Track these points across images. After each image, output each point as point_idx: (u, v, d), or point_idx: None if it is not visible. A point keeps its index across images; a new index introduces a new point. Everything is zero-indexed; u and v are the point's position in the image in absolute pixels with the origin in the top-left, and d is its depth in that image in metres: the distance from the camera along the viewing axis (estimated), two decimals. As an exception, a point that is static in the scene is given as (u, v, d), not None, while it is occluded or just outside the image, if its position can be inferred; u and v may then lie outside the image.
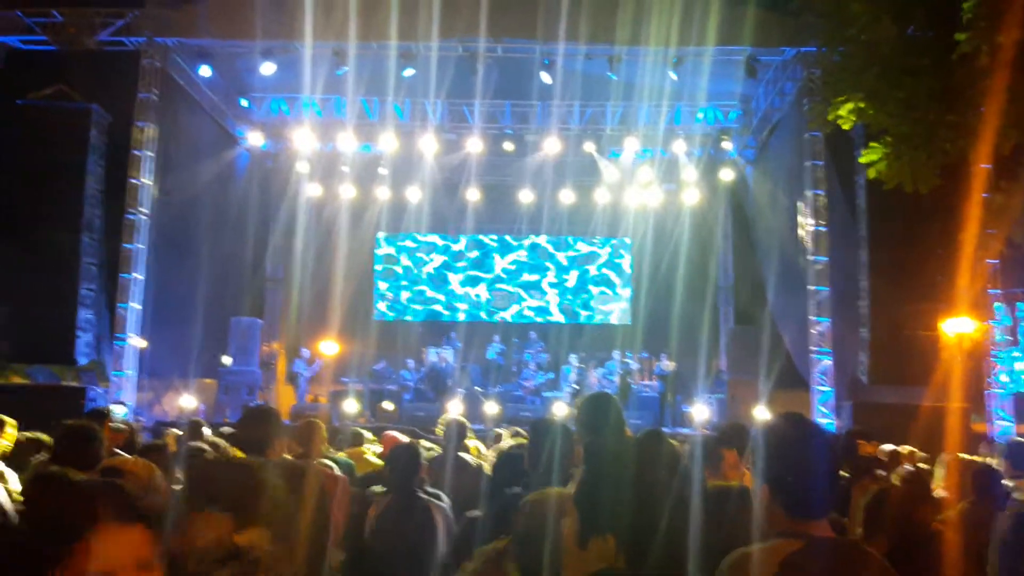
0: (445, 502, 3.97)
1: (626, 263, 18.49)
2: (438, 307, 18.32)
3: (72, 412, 10.23)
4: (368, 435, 6.82)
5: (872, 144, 9.12)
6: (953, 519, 3.81)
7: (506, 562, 2.53)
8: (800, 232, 13.01)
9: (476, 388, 15.18)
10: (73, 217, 12.34)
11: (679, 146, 15.97)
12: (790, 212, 13.71)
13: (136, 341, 12.27)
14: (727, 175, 16.91)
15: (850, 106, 8.87)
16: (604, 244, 18.53)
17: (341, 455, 6.26)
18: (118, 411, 10.66)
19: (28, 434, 5.13)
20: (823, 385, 12.37)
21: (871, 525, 2.75)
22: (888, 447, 6.58)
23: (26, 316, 12.28)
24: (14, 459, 4.70)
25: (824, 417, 12.30)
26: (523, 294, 18.42)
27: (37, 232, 12.32)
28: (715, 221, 18.05)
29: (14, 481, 4.48)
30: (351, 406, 13.66)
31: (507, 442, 6.33)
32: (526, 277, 18.49)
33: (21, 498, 3.33)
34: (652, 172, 16.89)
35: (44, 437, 4.97)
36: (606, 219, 17.69)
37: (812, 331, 12.49)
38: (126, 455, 4.21)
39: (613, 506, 2.60)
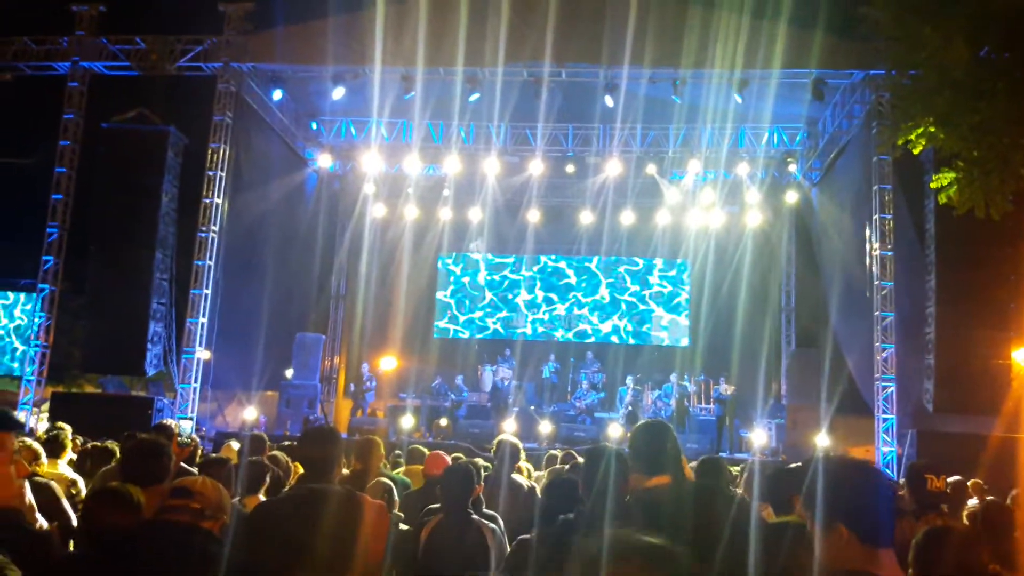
0: (498, 524, 4.02)
1: (686, 285, 18.34)
2: (496, 326, 18.45)
3: (140, 421, 10.67)
4: (427, 452, 6.92)
5: (944, 169, 8.91)
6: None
7: None
8: (866, 257, 12.76)
9: (531, 407, 15.23)
10: (148, 234, 12.83)
11: (742, 168, 15.85)
12: (856, 236, 13.45)
13: (202, 353, 12.67)
14: (791, 197, 16.69)
15: (920, 130, 8.69)
16: (664, 266, 18.42)
17: (399, 473, 6.37)
18: (185, 426, 11.02)
19: (98, 443, 5.36)
20: (887, 412, 12.07)
21: (919, 565, 2.70)
22: (953, 479, 6.39)
23: (101, 328, 12.81)
24: (82, 466, 4.92)
25: (887, 445, 11.98)
26: (581, 314, 18.41)
27: (115, 248, 12.85)
28: (778, 243, 17.80)
29: (83, 487, 4.69)
30: (407, 422, 13.84)
31: (560, 465, 6.37)
32: (584, 297, 18.49)
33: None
34: (714, 194, 16.76)
35: (113, 445, 5.19)
36: (667, 241, 17.60)
37: (877, 357, 12.21)
38: (194, 472, 4.37)
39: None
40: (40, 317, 13.05)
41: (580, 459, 5.13)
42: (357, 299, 16.69)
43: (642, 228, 17.53)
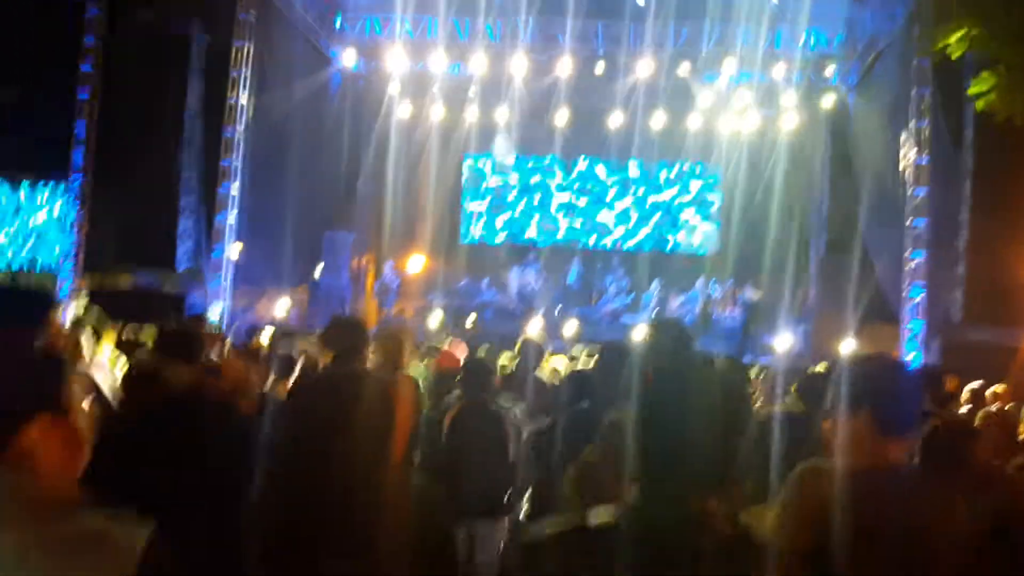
0: (516, 413, 4.17)
1: (717, 190, 18.11)
2: (522, 229, 18.44)
3: (173, 315, 10.97)
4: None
5: (984, 74, 8.60)
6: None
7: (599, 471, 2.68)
8: (901, 163, 12.51)
9: (556, 310, 15.36)
10: (174, 132, 12.89)
11: (778, 70, 15.34)
12: (892, 142, 13.15)
13: (231, 250, 12.88)
14: (827, 101, 16.20)
15: (961, 33, 8.35)
16: (695, 170, 18.16)
17: (421, 366, 6.55)
18: (214, 316, 11.30)
19: (132, 333, 5.55)
20: (914, 321, 12.06)
21: (923, 455, 2.77)
22: (974, 384, 6.44)
23: (131, 224, 13.03)
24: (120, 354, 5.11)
25: (912, 352, 12.01)
26: (608, 218, 18.32)
27: (142, 145, 12.93)
28: (812, 149, 17.39)
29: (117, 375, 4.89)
30: (434, 321, 14.07)
31: (583, 361, 6.50)
32: (612, 201, 18.35)
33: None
34: (748, 97, 16.31)
35: (146, 335, 5.37)
36: (698, 144, 17.23)
37: (906, 266, 12.12)
38: (223, 356, 4.53)
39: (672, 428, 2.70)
40: (72, 208, 13.27)
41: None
42: (383, 200, 16.70)
43: (673, 131, 17.16)
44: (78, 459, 1.38)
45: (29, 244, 16.97)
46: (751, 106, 16.48)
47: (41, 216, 16.91)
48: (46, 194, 17.05)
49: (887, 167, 13.39)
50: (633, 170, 18.28)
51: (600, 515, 1.43)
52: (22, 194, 17.10)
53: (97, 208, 13.46)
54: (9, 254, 16.98)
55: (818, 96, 16.33)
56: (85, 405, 1.43)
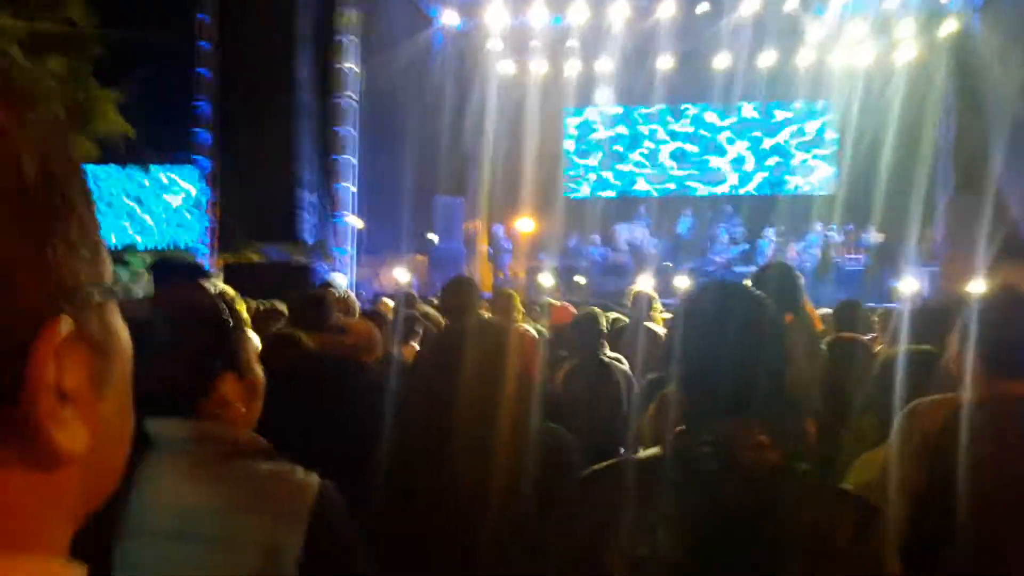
0: (625, 365, 4.26)
1: (832, 129, 17.36)
2: (630, 182, 18.25)
3: (303, 286, 11.51)
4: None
5: None
6: None
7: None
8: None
9: (666, 263, 15.21)
10: (289, 103, 13.33)
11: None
12: (1021, 68, 12.25)
13: (354, 220, 13.35)
14: (950, 26, 15.17)
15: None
16: (808, 109, 17.45)
17: (538, 325, 6.70)
18: (340, 281, 11.79)
19: (266, 304, 5.92)
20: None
21: None
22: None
23: (256, 199, 13.64)
24: (255, 326, 5.47)
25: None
26: (719, 164, 17.89)
27: (259, 119, 13.45)
28: (933, 79, 16.36)
29: (257, 344, 5.24)
30: (546, 281, 14.21)
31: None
32: (722, 146, 17.89)
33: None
34: (862, 28, 15.46)
35: (280, 305, 5.72)
36: (810, 82, 16.50)
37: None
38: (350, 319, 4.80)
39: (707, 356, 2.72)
40: (203, 191, 14.04)
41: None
42: (488, 161, 16.85)
43: (783, 70, 16.51)
44: (255, 411, 1.61)
45: (172, 226, 18.02)
46: (865, 38, 15.62)
47: (175, 198, 17.92)
48: (175, 176, 18.03)
49: (1020, 94, 12.50)
50: (743, 113, 17.73)
51: (650, 448, 1.50)
52: (159, 176, 18.13)
53: (227, 185, 14.14)
54: (151, 237, 18.09)
55: (939, 21, 15.30)
56: (256, 366, 1.66)
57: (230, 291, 5.85)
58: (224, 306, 1.58)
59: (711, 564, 1.37)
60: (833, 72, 16.09)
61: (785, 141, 17.63)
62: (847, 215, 15.71)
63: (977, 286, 12.20)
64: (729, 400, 1.42)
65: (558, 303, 6.65)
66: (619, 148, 18.36)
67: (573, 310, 5.71)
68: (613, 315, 6.74)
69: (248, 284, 8.26)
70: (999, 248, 12.55)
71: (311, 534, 1.44)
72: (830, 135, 17.36)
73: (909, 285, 13.53)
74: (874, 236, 14.34)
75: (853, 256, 15.30)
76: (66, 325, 0.47)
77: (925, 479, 2.02)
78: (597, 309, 4.79)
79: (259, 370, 1.67)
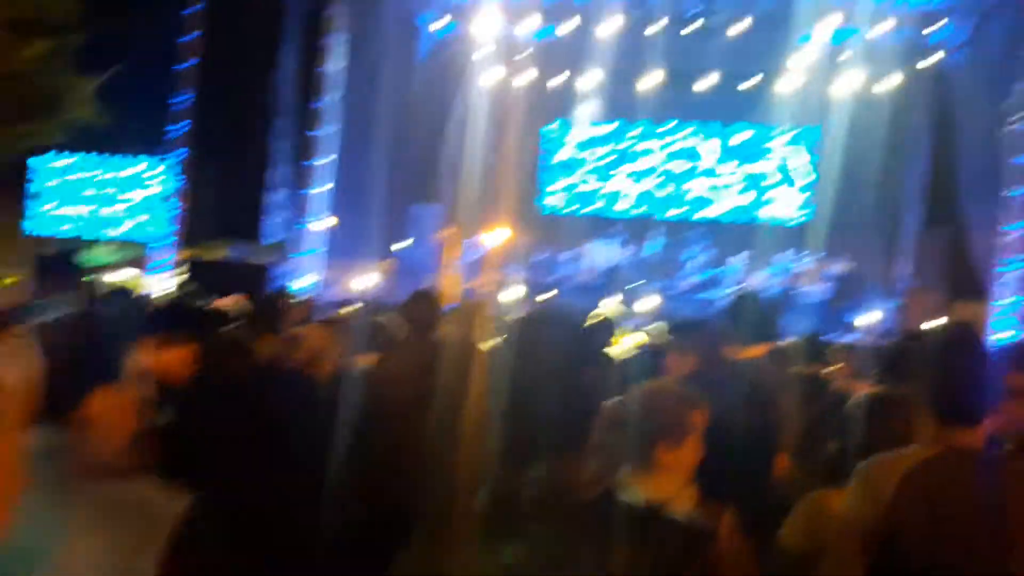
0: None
1: (809, 155, 17.48)
2: (605, 199, 18.26)
3: (258, 287, 11.39)
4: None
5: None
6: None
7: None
8: (1005, 130, 11.88)
9: (635, 283, 15.20)
10: (268, 104, 13.23)
11: (880, 28, 14.62)
12: (997, 107, 12.49)
13: (322, 223, 13.22)
14: (931, 62, 15.40)
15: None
16: (786, 134, 17.56)
17: (501, 341, 6.65)
18: (300, 287, 11.66)
19: (216, 305, 5.83)
20: (1009, 295, 11.52)
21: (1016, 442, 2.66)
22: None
23: (227, 196, 13.51)
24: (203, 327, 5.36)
25: (1006, 329, 11.48)
26: (695, 187, 17.96)
27: (237, 117, 13.34)
28: (911, 114, 16.60)
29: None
30: (513, 295, 14.16)
31: (657, 337, 6.47)
32: (697, 169, 17.95)
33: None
34: (847, 56, 15.62)
35: (232, 307, 5.63)
36: (791, 108, 16.59)
37: (1002, 238, 11.57)
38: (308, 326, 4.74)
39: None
40: (176, 182, 13.82)
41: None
42: (467, 170, 16.77)
43: (765, 93, 16.61)
44: (130, 428, 1.55)
45: (138, 219, 17.78)
46: (847, 68, 15.80)
47: (145, 190, 17.68)
48: (146, 167, 17.80)
49: (990, 134, 12.74)
50: (723, 136, 17.82)
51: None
52: (131, 168, 17.88)
53: (198, 181, 13.97)
54: (119, 228, 17.83)
55: (920, 58, 15.54)
56: (142, 380, 1.59)
57: (191, 288, 5.79)
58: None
59: None
60: (816, 98, 16.23)
61: (762, 166, 17.74)
62: (816, 245, 15.84)
63: (935, 323, 12.38)
64: (552, 438, 1.40)
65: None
66: (597, 165, 18.37)
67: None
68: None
69: (207, 281, 8.19)
70: (960, 284, 12.74)
71: (168, 561, 1.36)
72: (807, 163, 17.51)
73: (870, 318, 13.67)
74: (840, 267, 14.46)
75: (818, 286, 15.42)
76: None
77: (883, 538, 1.99)
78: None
79: (141, 384, 1.60)
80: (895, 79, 15.60)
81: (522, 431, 1.48)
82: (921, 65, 15.52)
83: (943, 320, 12.35)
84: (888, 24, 14.67)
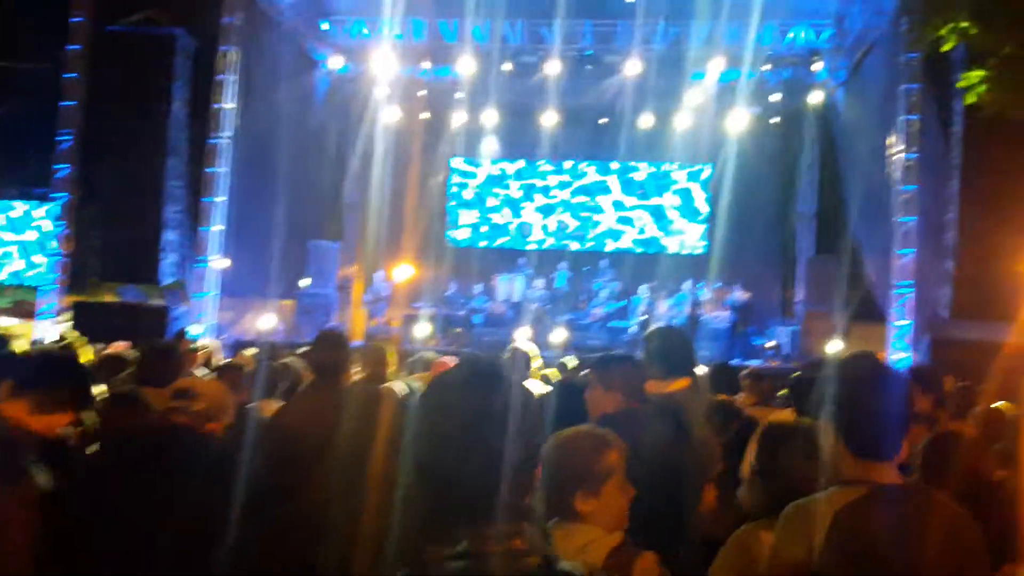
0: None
1: (704, 190, 18.05)
2: (511, 233, 18.34)
3: (157, 330, 10.86)
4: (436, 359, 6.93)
5: (974, 67, 8.60)
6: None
7: None
8: (890, 160, 12.50)
9: (545, 315, 15.27)
10: (160, 141, 12.74)
11: (766, 67, 15.29)
12: (881, 139, 13.15)
13: (218, 262, 12.73)
14: (816, 98, 16.21)
15: (951, 26, 8.34)
16: (683, 170, 18.10)
17: (414, 380, 6.43)
18: (196, 331, 11.15)
19: (111, 351, 5.44)
20: (902, 319, 12.04)
21: (926, 471, 2.66)
22: (962, 384, 6.39)
23: (116, 237, 12.87)
24: (98, 374, 5.01)
25: (901, 351, 11.99)
26: (597, 220, 18.24)
27: (127, 156, 12.78)
28: (800, 147, 17.41)
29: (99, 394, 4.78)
30: (423, 330, 13.96)
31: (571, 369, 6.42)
32: (599, 204, 18.27)
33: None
34: (737, 95, 16.27)
35: (127, 353, 5.27)
36: (685, 144, 17.18)
37: (895, 263, 12.12)
38: (204, 374, 4.44)
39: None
40: (57, 226, 13.10)
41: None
42: (370, 206, 16.56)
43: (662, 131, 17.12)
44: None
45: (15, 262, 16.81)
46: (739, 104, 16.45)
47: (29, 234, 16.75)
48: (28, 208, 16.87)
49: (876, 165, 13.38)
50: (622, 171, 18.21)
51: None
52: (16, 210, 16.93)
53: (83, 222, 13.30)
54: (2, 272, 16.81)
55: (806, 93, 16.33)
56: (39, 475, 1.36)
57: (73, 335, 5.39)
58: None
59: None
60: (709, 135, 16.76)
61: (660, 200, 18.17)
62: (716, 274, 16.29)
63: (834, 346, 12.84)
64: (475, 506, 1.27)
65: (438, 358, 6.41)
66: (502, 199, 18.46)
67: (451, 363, 5.48)
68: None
69: (99, 326, 7.69)
70: (855, 308, 13.25)
71: None
72: (702, 196, 18.03)
73: (772, 343, 14.09)
74: (740, 295, 14.87)
75: (720, 313, 15.83)
76: None
77: None
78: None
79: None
80: (783, 115, 16.30)
81: (440, 496, 1.31)
82: (808, 100, 16.28)
83: (839, 344, 12.84)
84: (774, 63, 15.32)
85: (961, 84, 8.92)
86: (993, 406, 5.54)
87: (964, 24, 8.21)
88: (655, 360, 3.35)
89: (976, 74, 8.42)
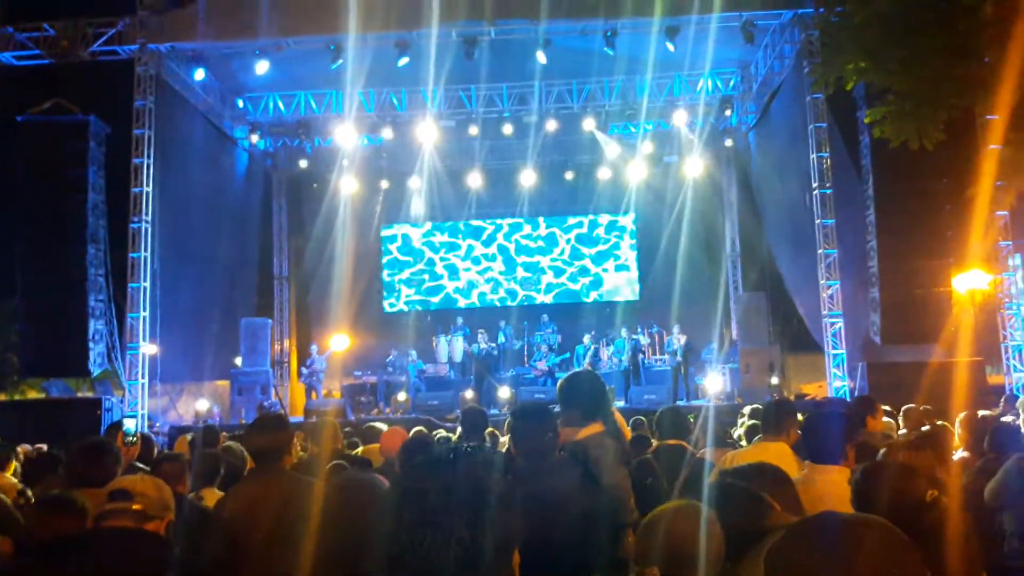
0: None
1: (632, 238, 18.37)
2: (445, 295, 18.28)
3: (89, 423, 10.37)
4: (384, 428, 6.77)
5: (876, 103, 9.01)
6: (954, 484, 3.75)
7: None
8: (807, 195, 12.92)
9: (489, 374, 15.18)
10: (78, 229, 12.33)
11: (680, 117, 15.81)
12: (795, 176, 13.61)
13: (146, 348, 12.31)
14: (730, 143, 16.80)
15: (851, 66, 8.73)
16: (610, 221, 18.40)
17: (358, 453, 6.25)
18: (133, 424, 10.69)
19: (43, 450, 5.14)
20: (836, 348, 12.33)
21: (858, 501, 2.67)
22: (905, 407, 6.54)
23: (38, 331, 12.35)
24: (28, 475, 4.72)
25: (839, 380, 12.24)
26: (530, 276, 18.33)
27: (44, 247, 12.35)
28: (720, 190, 17.97)
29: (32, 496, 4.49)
30: (365, 399, 13.70)
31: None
32: (532, 259, 18.40)
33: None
34: (654, 145, 16.76)
35: (58, 451, 4.97)
36: (610, 196, 17.58)
37: (823, 294, 12.44)
38: (140, 470, 4.22)
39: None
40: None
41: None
42: (301, 279, 16.36)
43: (585, 185, 17.51)
44: None
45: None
46: (657, 154, 16.93)
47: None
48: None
49: (794, 201, 13.82)
50: (549, 226, 18.42)
51: None
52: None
53: (1, 320, 12.74)
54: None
55: (721, 138, 16.89)
56: None
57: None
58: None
59: None
60: (631, 186, 17.14)
61: (590, 251, 18.39)
62: (651, 319, 16.51)
63: (776, 379, 13.05)
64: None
65: (386, 427, 6.26)
66: (433, 262, 18.41)
67: (403, 432, 5.33)
68: (440, 434, 6.42)
69: (24, 425, 7.30)
70: (790, 342, 13.54)
71: None
72: (632, 244, 18.33)
73: (714, 383, 14.23)
74: (678, 338, 15.05)
75: (660, 357, 16.00)
76: None
77: None
78: (424, 430, 4.50)
79: None
80: (702, 160, 16.79)
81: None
82: (725, 144, 16.84)
83: (776, 377, 13.06)
84: (688, 111, 15.84)
85: (867, 120, 9.33)
86: (930, 427, 5.67)
87: (862, 65, 8.61)
88: (567, 407, 3.33)
89: (879, 110, 8.82)
